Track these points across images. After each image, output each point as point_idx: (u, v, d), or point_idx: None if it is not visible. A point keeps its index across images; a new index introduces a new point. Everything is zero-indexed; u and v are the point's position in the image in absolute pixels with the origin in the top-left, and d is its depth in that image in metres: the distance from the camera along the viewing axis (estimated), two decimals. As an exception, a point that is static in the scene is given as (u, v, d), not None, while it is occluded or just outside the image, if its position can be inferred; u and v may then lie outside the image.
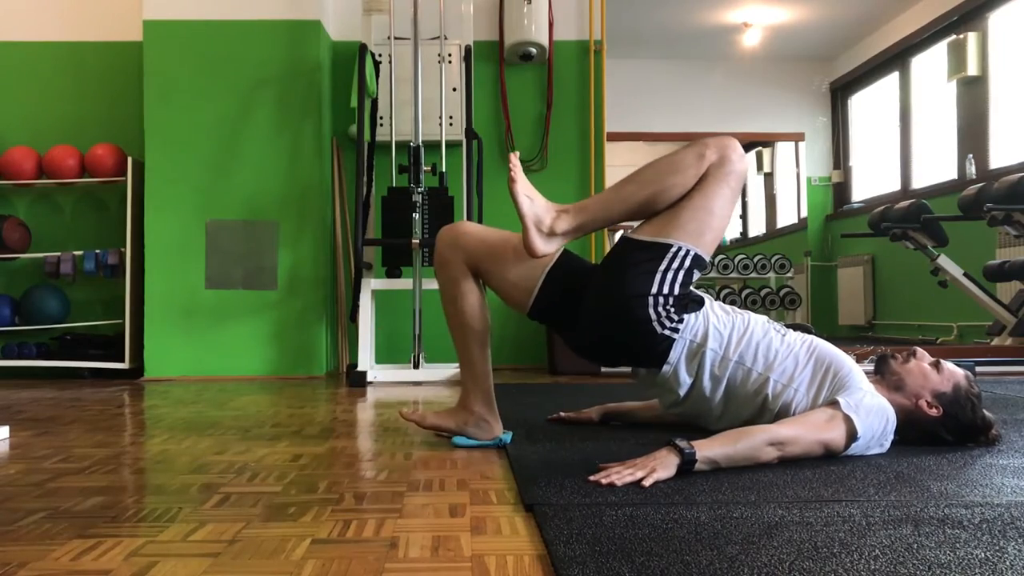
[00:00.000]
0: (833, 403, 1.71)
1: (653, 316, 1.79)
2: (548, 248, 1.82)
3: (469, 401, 2.00)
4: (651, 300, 1.78)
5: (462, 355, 2.00)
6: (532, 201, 1.80)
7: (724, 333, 1.84)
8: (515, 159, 1.79)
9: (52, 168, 4.24)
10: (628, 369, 1.99)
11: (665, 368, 1.85)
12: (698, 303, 1.85)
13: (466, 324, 1.97)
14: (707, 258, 1.82)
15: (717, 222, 1.81)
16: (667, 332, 1.81)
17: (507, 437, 2.00)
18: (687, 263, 1.79)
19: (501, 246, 1.94)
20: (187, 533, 1.25)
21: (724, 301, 6.41)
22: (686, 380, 1.86)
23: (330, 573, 1.06)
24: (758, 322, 1.89)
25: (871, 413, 1.72)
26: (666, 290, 1.78)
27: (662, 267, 1.78)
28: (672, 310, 1.80)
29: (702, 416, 1.93)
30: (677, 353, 1.83)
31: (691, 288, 1.85)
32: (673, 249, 1.79)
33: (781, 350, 1.84)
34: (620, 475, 1.50)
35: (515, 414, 2.48)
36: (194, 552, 1.15)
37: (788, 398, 1.79)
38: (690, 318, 1.83)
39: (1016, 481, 1.53)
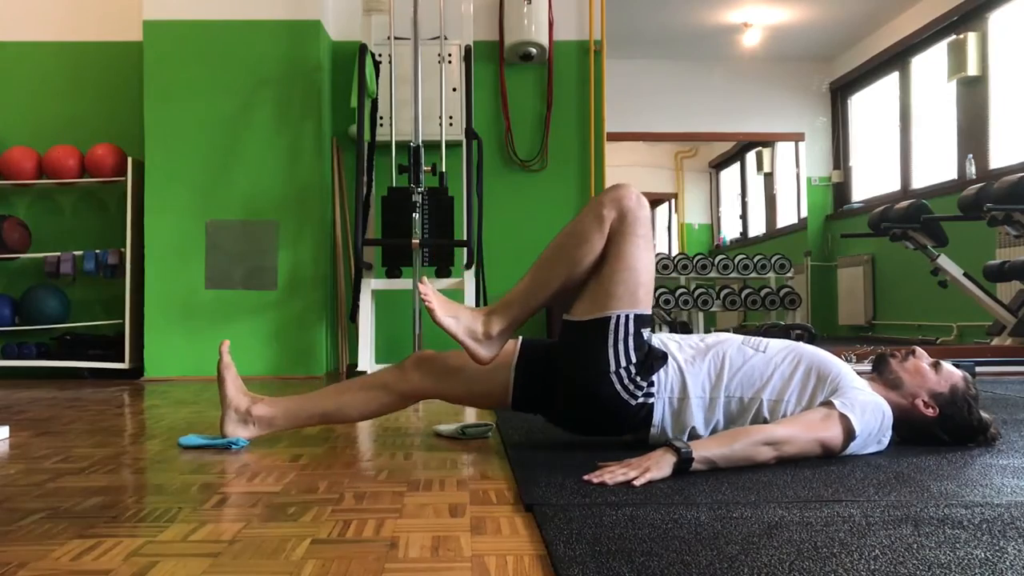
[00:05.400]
0: (828, 404, 1.71)
1: (620, 391, 1.76)
2: (492, 352, 1.81)
3: (261, 405, 1.99)
4: (613, 377, 1.76)
5: (319, 398, 2.03)
6: (457, 319, 1.79)
7: (701, 376, 1.81)
8: (424, 287, 1.78)
9: (52, 168, 4.24)
10: None
11: (653, 431, 1.82)
12: (662, 359, 1.81)
13: (343, 402, 2.00)
14: (648, 311, 1.80)
15: (644, 276, 1.78)
16: (641, 400, 1.78)
17: (241, 442, 1.96)
18: (631, 327, 1.77)
19: (465, 361, 1.89)
20: (187, 533, 1.25)
21: (724, 301, 6.40)
22: (677, 435, 1.82)
23: (330, 573, 1.06)
24: (732, 347, 1.85)
25: (866, 410, 1.71)
26: (623, 362, 1.76)
27: (610, 341, 1.76)
28: (638, 378, 1.77)
29: None
30: (659, 414, 1.80)
31: (650, 345, 1.81)
32: (613, 320, 1.76)
33: (764, 370, 1.80)
34: (613, 474, 1.50)
35: (515, 414, 2.47)
36: (194, 552, 1.15)
37: (782, 412, 1.78)
38: (660, 376, 1.80)
39: (1016, 481, 1.53)
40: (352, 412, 2.03)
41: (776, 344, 1.87)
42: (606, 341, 1.76)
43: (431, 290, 1.79)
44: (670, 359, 1.82)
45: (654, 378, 1.79)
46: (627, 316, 1.77)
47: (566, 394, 1.83)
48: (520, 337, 1.96)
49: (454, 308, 1.81)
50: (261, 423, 2.01)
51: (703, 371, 1.81)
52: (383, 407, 2.01)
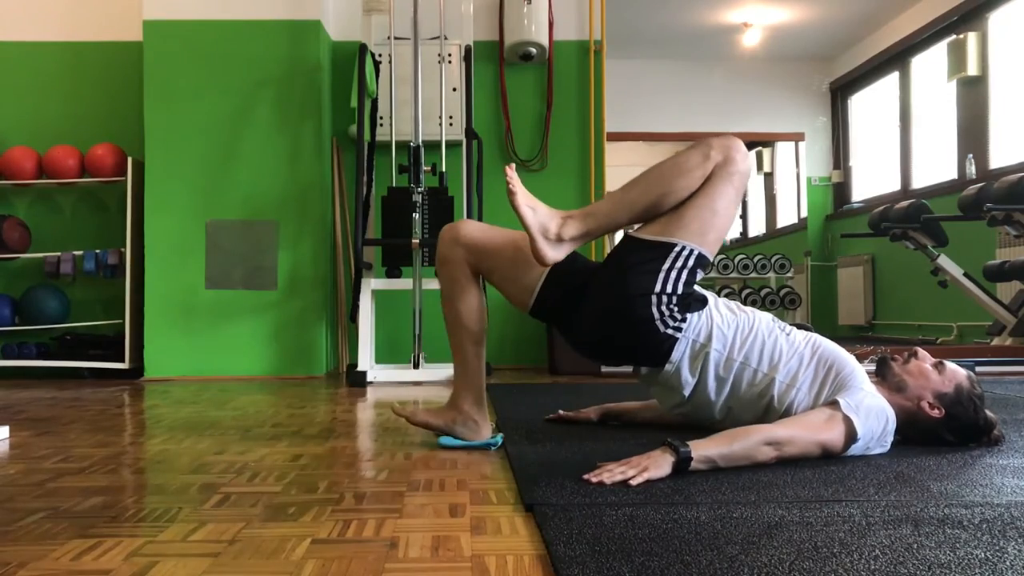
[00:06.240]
0: (833, 403, 1.71)
1: (656, 315, 1.79)
2: (557, 255, 1.82)
3: (459, 400, 2.01)
4: (654, 299, 1.78)
5: (457, 354, 2.01)
6: (535, 211, 1.80)
7: (728, 333, 1.84)
8: (511, 171, 1.79)
9: (52, 168, 4.24)
10: (630, 369, 1.99)
11: (667, 367, 1.85)
12: (701, 302, 1.86)
13: (463, 324, 1.98)
14: (710, 257, 1.83)
15: (721, 222, 1.81)
16: (670, 331, 1.81)
17: (498, 439, 1.99)
18: (690, 262, 1.80)
19: (503, 244, 1.95)
20: (187, 533, 1.25)
21: (724, 301, 6.40)
22: (689, 380, 1.86)
23: (330, 573, 1.06)
24: (763, 321, 1.89)
25: (871, 414, 1.71)
26: (669, 289, 1.79)
27: (665, 266, 1.79)
28: (675, 309, 1.80)
29: (704, 418, 1.93)
30: (680, 352, 1.83)
31: (695, 287, 1.85)
32: (677, 248, 1.79)
33: (786, 349, 1.83)
34: (611, 474, 1.50)
35: (515, 414, 2.48)
36: (194, 552, 1.15)
37: (791, 399, 1.79)
38: (693, 317, 1.83)
39: (1016, 481, 1.53)
40: (474, 326, 1.98)
41: (799, 332, 1.91)
42: (662, 265, 1.79)
43: (516, 176, 1.79)
44: (707, 307, 1.86)
45: (688, 316, 1.82)
46: (691, 250, 1.80)
47: (598, 307, 1.85)
48: None
49: (534, 200, 1.82)
50: (468, 415, 2.00)
51: (731, 330, 1.85)
52: (478, 299, 1.98)
